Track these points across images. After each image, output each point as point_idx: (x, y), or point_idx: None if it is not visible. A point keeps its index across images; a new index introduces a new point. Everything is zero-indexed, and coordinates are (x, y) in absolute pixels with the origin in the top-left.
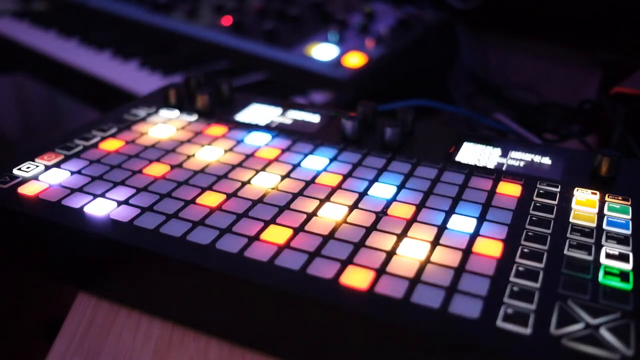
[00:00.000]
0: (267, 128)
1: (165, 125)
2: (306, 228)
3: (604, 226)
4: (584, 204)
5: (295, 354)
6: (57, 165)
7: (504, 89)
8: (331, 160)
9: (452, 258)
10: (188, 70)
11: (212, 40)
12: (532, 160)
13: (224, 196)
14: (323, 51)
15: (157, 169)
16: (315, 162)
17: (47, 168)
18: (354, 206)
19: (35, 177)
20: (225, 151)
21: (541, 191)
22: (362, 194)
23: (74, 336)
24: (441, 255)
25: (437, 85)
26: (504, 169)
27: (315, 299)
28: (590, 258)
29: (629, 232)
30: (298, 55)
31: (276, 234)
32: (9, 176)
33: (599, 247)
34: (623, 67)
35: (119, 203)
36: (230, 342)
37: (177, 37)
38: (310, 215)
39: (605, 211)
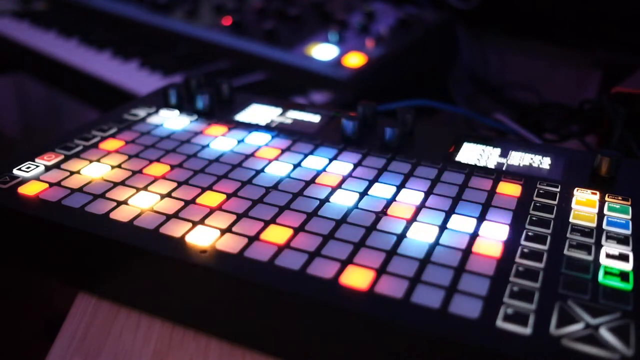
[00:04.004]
0: (267, 128)
1: (165, 125)
2: (306, 228)
3: (604, 226)
4: (584, 204)
5: (295, 354)
6: (57, 165)
7: (504, 89)
8: (331, 160)
9: (452, 258)
10: (188, 70)
11: (212, 40)
12: (532, 160)
13: (224, 196)
14: (323, 51)
15: (157, 169)
16: (315, 162)
17: (47, 168)
18: (354, 206)
19: (35, 177)
20: (225, 151)
21: (541, 191)
22: (362, 194)
23: (74, 336)
24: (441, 255)
25: (437, 85)
26: (504, 169)
27: (315, 299)
28: (590, 258)
29: (629, 232)
30: (298, 55)
31: (276, 234)
32: (9, 176)
33: (599, 247)
34: (623, 67)
35: (119, 203)
36: (230, 342)
37: (177, 37)
38: (310, 215)
39: (605, 211)
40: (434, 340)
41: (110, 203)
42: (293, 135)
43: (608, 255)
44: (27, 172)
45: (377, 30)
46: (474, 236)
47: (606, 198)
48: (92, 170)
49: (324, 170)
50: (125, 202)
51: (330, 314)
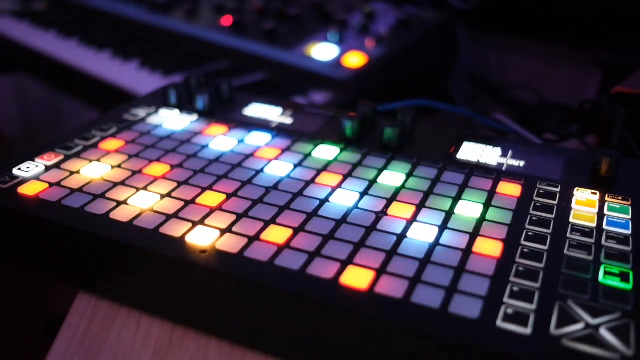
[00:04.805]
0: (267, 128)
1: (165, 125)
2: (306, 228)
3: (604, 226)
4: (584, 204)
5: (296, 354)
6: (57, 165)
7: (504, 89)
8: (331, 161)
9: (452, 258)
10: (188, 70)
11: (212, 40)
12: (532, 160)
13: (224, 196)
14: (323, 51)
15: (157, 169)
16: (315, 162)
17: (47, 168)
18: (354, 206)
19: (35, 177)
20: (225, 151)
21: (541, 191)
22: (362, 194)
23: (74, 336)
24: (441, 255)
25: (437, 85)
26: (504, 169)
27: (315, 299)
28: (590, 258)
29: (629, 232)
30: (298, 55)
31: (276, 234)
32: (9, 176)
33: (599, 247)
34: (623, 67)
35: (119, 203)
36: (230, 342)
37: (177, 37)
38: (310, 215)
39: (605, 211)
40: (434, 340)
41: (110, 203)
42: (293, 135)
43: (608, 255)
44: (27, 172)
45: (377, 30)
46: (474, 236)
47: (606, 198)
48: (92, 170)
49: (323, 170)
50: (125, 202)
51: (330, 314)
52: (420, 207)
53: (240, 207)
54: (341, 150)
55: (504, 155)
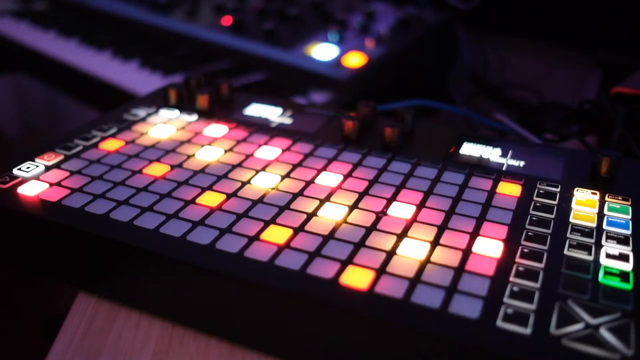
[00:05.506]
0: (267, 128)
1: (165, 125)
2: (306, 228)
3: (604, 226)
4: (584, 204)
5: (295, 354)
6: (57, 165)
7: (504, 89)
8: (331, 160)
9: (452, 258)
10: (188, 70)
11: (212, 40)
12: (532, 160)
13: (224, 196)
14: (323, 51)
15: (157, 169)
16: (315, 162)
17: (47, 168)
18: (354, 206)
19: (35, 177)
20: (225, 151)
21: (541, 191)
22: (362, 194)
23: (74, 336)
24: (441, 255)
25: (437, 85)
26: (504, 169)
27: (315, 299)
28: (590, 258)
29: (629, 232)
30: (298, 55)
31: (276, 234)
32: (9, 176)
33: (599, 247)
34: (623, 67)
35: (119, 203)
36: (230, 342)
37: (177, 37)
38: (310, 215)
39: (605, 211)
40: (434, 340)
41: (110, 203)
42: (293, 135)
43: (608, 255)
44: (27, 172)
45: (377, 30)
46: (474, 236)
47: (606, 198)
48: (92, 170)
49: (323, 170)
50: (125, 202)
51: (330, 314)
52: (420, 207)
53: (240, 207)
54: (341, 150)
55: (504, 155)
